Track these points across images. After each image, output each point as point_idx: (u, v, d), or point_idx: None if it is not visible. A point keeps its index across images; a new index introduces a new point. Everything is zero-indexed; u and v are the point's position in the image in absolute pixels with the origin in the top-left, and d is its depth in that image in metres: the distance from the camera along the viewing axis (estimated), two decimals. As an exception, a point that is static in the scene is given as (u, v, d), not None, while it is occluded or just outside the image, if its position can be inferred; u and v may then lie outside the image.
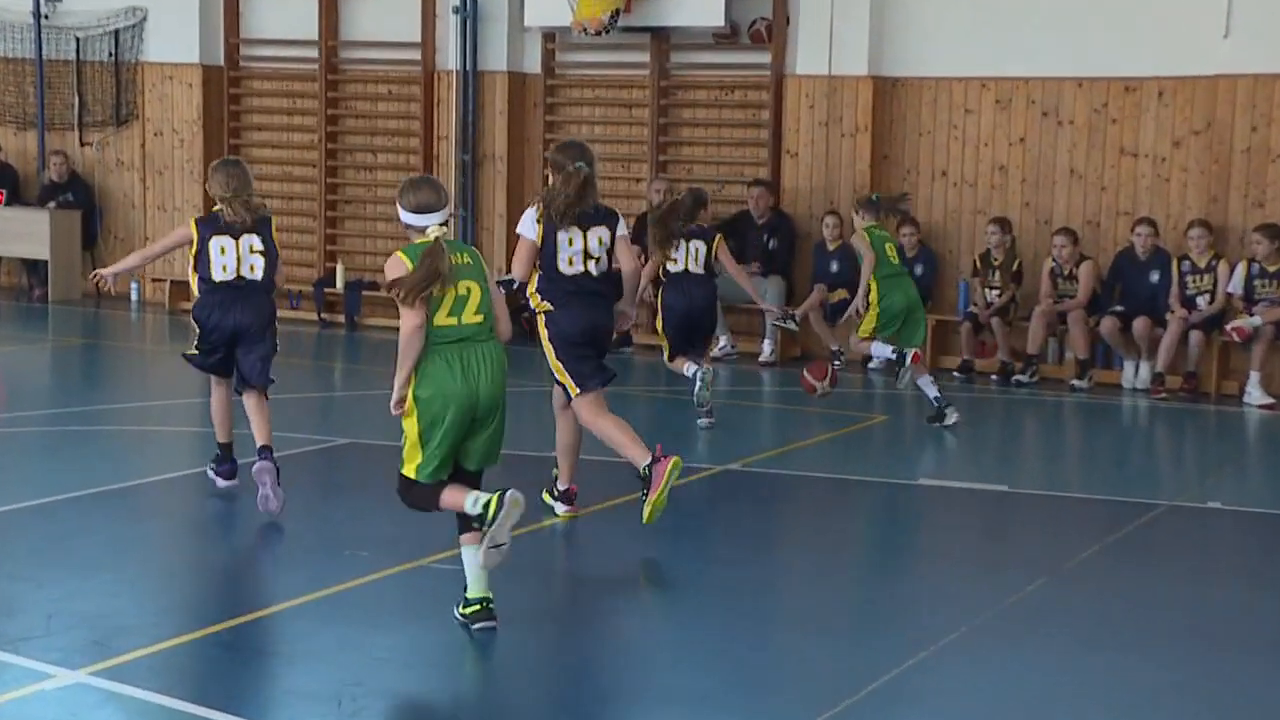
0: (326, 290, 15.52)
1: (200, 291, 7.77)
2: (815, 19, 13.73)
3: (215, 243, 7.67)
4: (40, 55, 16.64)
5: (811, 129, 13.90)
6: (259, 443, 7.72)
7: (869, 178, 13.71)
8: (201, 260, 7.69)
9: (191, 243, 7.71)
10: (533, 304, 7.35)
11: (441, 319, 5.76)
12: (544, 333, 7.37)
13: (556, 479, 7.77)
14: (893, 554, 7.73)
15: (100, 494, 7.98)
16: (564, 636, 6.12)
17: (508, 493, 5.73)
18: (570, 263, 7.24)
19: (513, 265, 7.34)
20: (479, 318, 5.83)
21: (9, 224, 16.39)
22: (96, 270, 7.83)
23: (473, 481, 5.91)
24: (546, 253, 7.22)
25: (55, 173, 16.52)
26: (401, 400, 5.80)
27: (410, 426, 5.81)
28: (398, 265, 5.75)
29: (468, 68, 15.00)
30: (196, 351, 7.90)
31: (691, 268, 10.16)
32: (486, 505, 5.71)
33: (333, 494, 8.39)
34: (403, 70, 15.54)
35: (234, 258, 7.69)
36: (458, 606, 5.98)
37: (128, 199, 16.78)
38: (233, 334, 7.75)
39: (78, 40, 16.64)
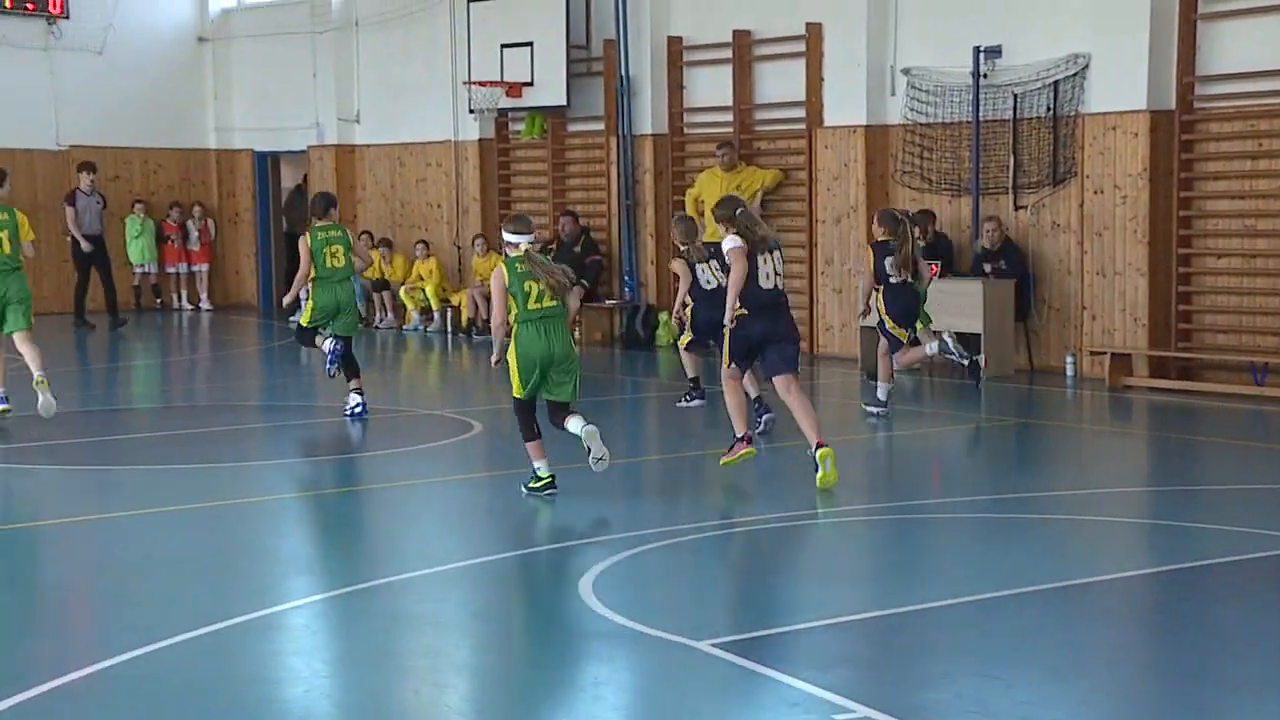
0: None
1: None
2: None
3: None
4: (977, 117, 15.45)
5: None
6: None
7: None
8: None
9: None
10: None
11: (531, 304, 9.06)
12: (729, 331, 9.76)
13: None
14: None
15: (1053, 590, 7.23)
16: None
17: (586, 427, 9.12)
18: (767, 278, 9.61)
19: (731, 288, 9.61)
20: (554, 302, 9.10)
21: (944, 297, 15.24)
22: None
23: (561, 409, 9.23)
24: (751, 272, 9.56)
25: (988, 240, 15.21)
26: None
27: (512, 371, 9.14)
28: (499, 273, 9.17)
29: None
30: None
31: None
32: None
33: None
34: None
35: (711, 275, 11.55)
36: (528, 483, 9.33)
37: (1063, 265, 15.11)
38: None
39: (1015, 97, 15.28)
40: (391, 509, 9.35)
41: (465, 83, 19.57)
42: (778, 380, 9.73)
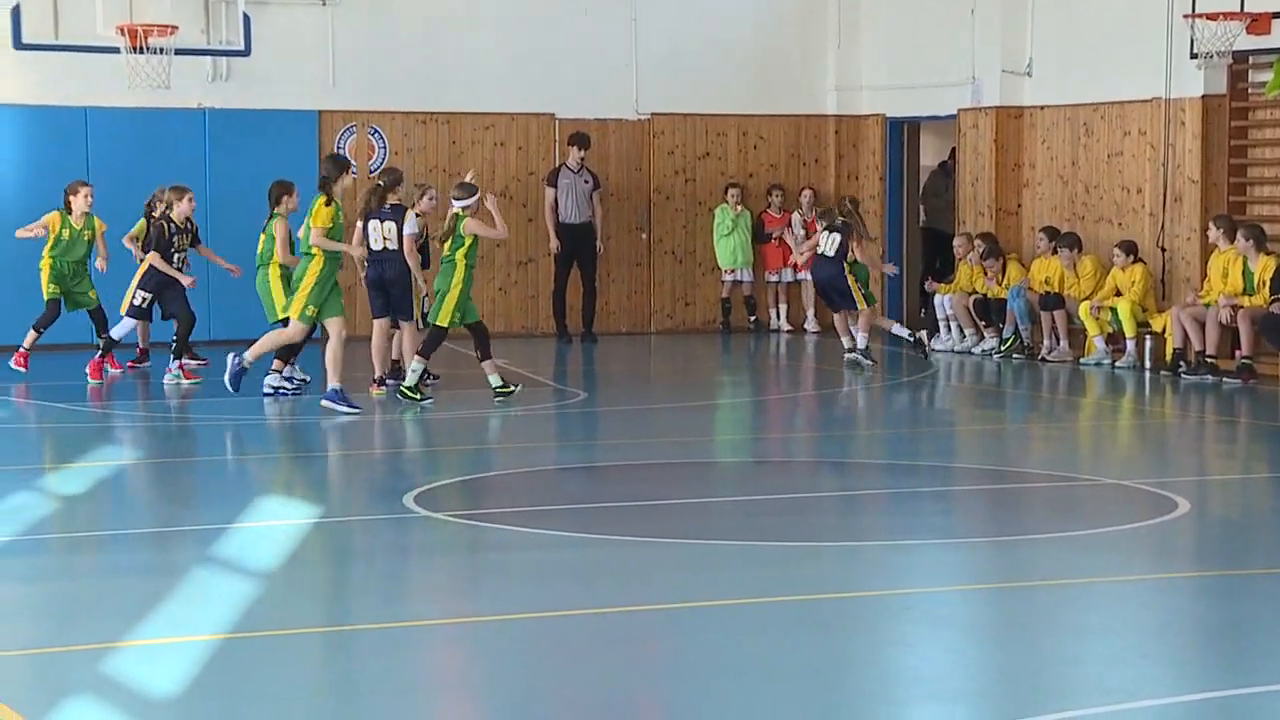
0: None
1: None
2: None
3: None
4: None
5: None
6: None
7: None
8: None
9: None
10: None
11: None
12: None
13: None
14: None
15: None
16: None
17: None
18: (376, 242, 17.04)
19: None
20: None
21: None
22: None
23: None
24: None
25: None
26: None
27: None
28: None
29: None
30: None
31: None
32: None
33: None
34: None
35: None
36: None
37: None
38: None
39: None
40: (1060, 617, 9.20)
41: (1186, 16, 19.16)
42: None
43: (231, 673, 8.07)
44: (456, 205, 16.53)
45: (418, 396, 16.45)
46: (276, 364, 16.93)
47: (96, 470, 13.67)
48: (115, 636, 8.50)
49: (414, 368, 16.59)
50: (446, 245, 16.51)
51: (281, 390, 16.88)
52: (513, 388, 16.75)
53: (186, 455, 15.00)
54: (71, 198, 18.48)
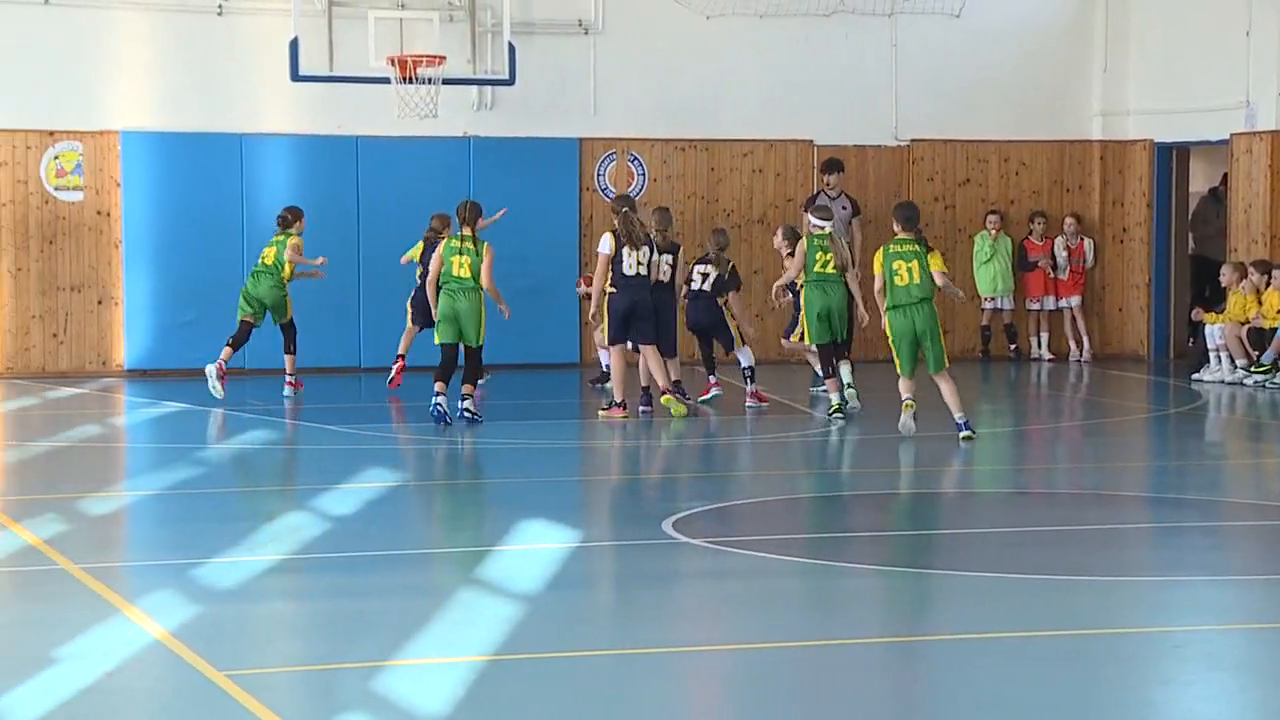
0: None
1: None
2: None
3: None
4: None
5: None
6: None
7: None
8: None
9: None
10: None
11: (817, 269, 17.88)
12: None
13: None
14: None
15: None
16: None
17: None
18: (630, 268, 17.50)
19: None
20: (835, 270, 17.85)
21: None
22: None
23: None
24: (616, 262, 17.45)
25: None
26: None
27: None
28: (802, 244, 18.10)
29: None
30: None
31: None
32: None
33: None
34: None
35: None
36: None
37: None
38: None
39: None
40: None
41: None
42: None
43: (498, 694, 8.21)
44: (828, 226, 17.99)
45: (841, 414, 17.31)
46: (441, 386, 17.12)
47: (364, 491, 13.95)
48: (385, 655, 8.70)
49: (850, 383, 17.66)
50: (827, 265, 17.62)
51: (467, 414, 17.08)
52: (848, 406, 17.51)
53: (449, 478, 15.28)
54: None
